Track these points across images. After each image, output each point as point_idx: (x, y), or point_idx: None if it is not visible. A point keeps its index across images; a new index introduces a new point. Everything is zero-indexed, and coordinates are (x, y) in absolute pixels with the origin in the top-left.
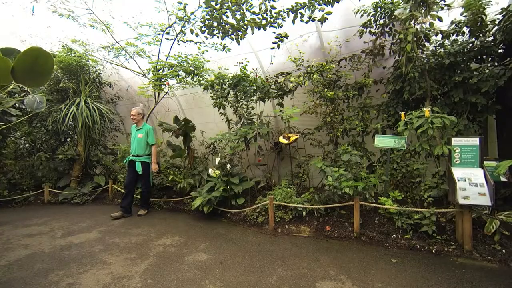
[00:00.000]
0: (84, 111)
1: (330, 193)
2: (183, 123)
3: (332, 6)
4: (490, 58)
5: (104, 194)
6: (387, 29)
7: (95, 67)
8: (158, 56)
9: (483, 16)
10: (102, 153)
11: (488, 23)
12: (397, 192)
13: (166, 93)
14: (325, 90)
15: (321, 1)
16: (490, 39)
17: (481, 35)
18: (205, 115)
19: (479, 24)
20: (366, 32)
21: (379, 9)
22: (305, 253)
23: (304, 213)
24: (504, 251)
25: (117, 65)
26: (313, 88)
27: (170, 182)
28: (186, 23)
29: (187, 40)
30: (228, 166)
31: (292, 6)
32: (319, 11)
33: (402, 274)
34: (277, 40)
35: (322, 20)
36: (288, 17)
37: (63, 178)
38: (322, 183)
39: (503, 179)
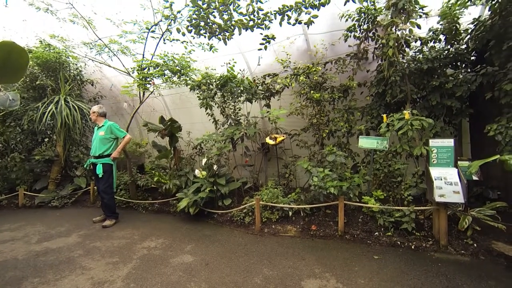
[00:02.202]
0: (63, 110)
1: (316, 193)
2: (169, 123)
3: (318, 10)
4: (463, 65)
5: (85, 196)
6: (371, 34)
7: (76, 64)
8: (143, 55)
9: (457, 25)
10: (83, 154)
11: (462, 31)
12: (379, 191)
13: (152, 92)
14: (312, 92)
15: (307, 4)
16: (463, 46)
17: (455, 42)
18: (192, 116)
19: (453, 32)
20: (350, 36)
21: (363, 14)
22: (291, 253)
23: (290, 213)
24: (475, 245)
25: (100, 63)
26: (299, 89)
27: (155, 183)
28: (173, 21)
29: (173, 39)
30: (215, 166)
31: (279, 8)
32: (305, 14)
33: (384, 270)
34: (264, 42)
35: (309, 23)
36: (275, 19)
37: (40, 180)
38: (308, 183)
39: (475, 178)
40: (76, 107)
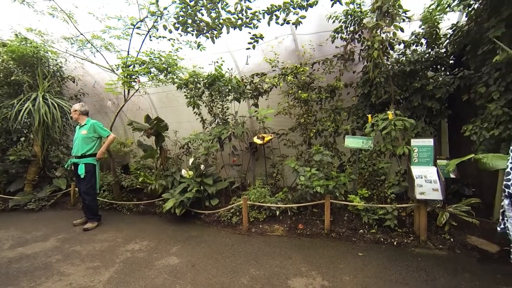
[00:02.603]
0: (42, 108)
1: (303, 192)
2: (155, 122)
3: (306, 11)
4: (443, 68)
5: (65, 198)
6: (357, 36)
7: (56, 60)
8: (128, 52)
9: (437, 29)
10: (63, 153)
11: (442, 36)
12: (364, 190)
13: (137, 90)
14: (299, 91)
15: (295, 5)
16: (443, 50)
17: (436, 46)
18: (179, 114)
19: (434, 36)
20: (337, 37)
21: (349, 16)
22: (278, 252)
23: (277, 213)
24: (452, 239)
25: (82, 59)
26: (287, 89)
27: (140, 183)
28: (159, 18)
29: (159, 36)
30: (202, 166)
31: (267, 8)
32: (293, 14)
33: (368, 267)
34: (252, 41)
35: (297, 23)
36: (264, 18)
37: (15, 181)
38: (296, 182)
39: (452, 176)
40: (56, 105)
